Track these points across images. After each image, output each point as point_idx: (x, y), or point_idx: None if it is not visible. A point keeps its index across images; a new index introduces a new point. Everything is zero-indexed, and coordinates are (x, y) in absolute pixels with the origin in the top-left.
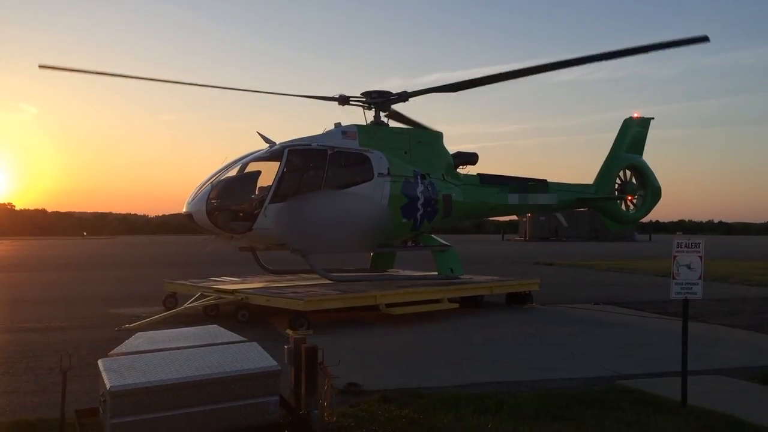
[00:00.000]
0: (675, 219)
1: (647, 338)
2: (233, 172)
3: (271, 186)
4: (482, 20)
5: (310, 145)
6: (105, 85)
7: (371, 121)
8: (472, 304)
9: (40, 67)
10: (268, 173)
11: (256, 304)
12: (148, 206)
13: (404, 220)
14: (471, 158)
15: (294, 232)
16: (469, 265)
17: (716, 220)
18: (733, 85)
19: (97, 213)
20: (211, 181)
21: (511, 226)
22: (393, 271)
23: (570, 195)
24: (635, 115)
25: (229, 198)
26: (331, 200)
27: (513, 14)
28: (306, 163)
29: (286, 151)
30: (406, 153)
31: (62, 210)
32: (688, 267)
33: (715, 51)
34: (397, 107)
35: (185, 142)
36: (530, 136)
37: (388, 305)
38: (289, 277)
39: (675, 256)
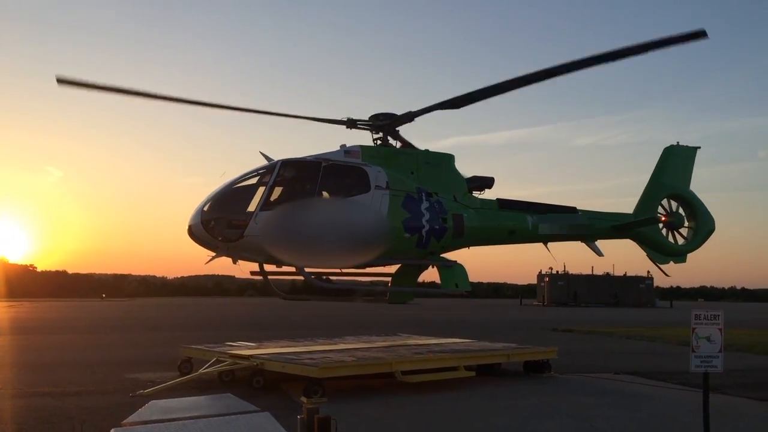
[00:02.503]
0: (696, 285)
1: (669, 412)
2: (229, 187)
3: (262, 196)
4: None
5: (305, 158)
6: (126, 150)
7: (378, 143)
8: (489, 372)
9: (59, 82)
10: (263, 187)
11: (271, 370)
12: (167, 268)
13: (406, 235)
14: (487, 182)
15: (283, 241)
16: (486, 330)
17: (739, 287)
18: (754, 149)
19: (116, 275)
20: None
21: (529, 291)
22: (407, 337)
23: (603, 222)
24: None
25: (223, 209)
26: (323, 210)
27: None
28: (299, 174)
29: (279, 163)
30: (412, 173)
31: (82, 271)
32: (708, 339)
33: (735, 116)
34: (405, 130)
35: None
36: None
37: (404, 373)
38: (305, 342)
39: (694, 329)
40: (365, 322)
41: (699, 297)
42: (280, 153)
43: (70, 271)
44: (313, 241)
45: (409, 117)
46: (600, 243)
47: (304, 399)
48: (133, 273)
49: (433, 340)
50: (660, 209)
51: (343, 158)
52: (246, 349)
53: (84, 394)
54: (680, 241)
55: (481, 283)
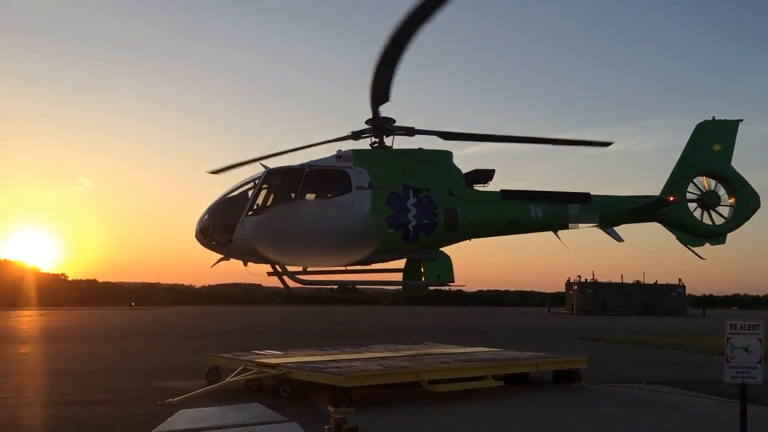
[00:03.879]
0: (730, 293)
1: (704, 423)
2: (223, 197)
3: (248, 202)
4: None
5: (291, 166)
6: (154, 159)
7: (376, 146)
8: (517, 381)
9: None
10: (251, 194)
11: (298, 379)
12: (195, 277)
13: (390, 231)
14: (487, 174)
15: (267, 242)
16: (514, 339)
17: None
18: None
19: (145, 283)
20: None
21: (557, 299)
22: (434, 346)
23: (620, 207)
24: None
25: (216, 216)
26: (303, 212)
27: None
28: (283, 181)
29: (266, 172)
30: (405, 171)
31: (112, 280)
32: (745, 350)
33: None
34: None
35: None
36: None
37: (431, 382)
38: (331, 350)
39: (729, 338)
40: (391, 330)
41: (732, 305)
42: None
43: (100, 280)
44: (295, 241)
45: (410, 132)
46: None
47: (331, 408)
48: (162, 282)
49: (460, 349)
50: (694, 188)
51: (334, 163)
52: (273, 357)
53: (113, 402)
54: (719, 221)
55: (508, 291)
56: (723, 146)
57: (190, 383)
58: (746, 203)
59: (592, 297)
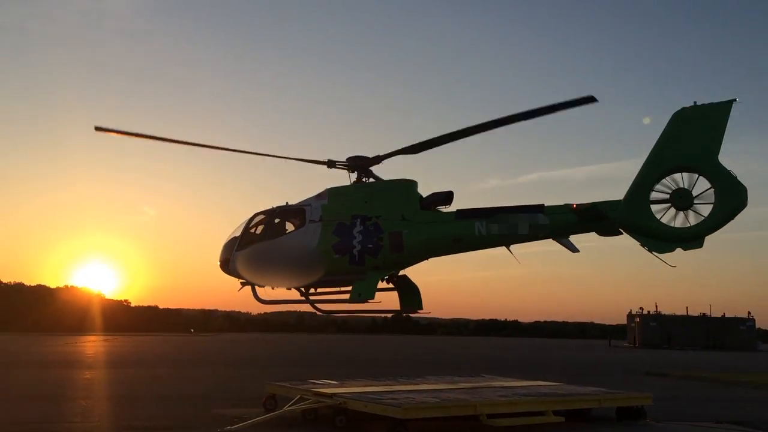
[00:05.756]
0: None
1: None
2: (230, 236)
3: (238, 240)
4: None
5: (269, 209)
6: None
7: (354, 182)
8: (578, 417)
9: (96, 129)
10: (241, 233)
11: (354, 409)
12: (250, 304)
13: (336, 256)
14: (444, 197)
15: (247, 270)
16: (573, 373)
17: None
18: None
19: (203, 310)
20: None
21: (618, 332)
22: (491, 378)
23: (567, 217)
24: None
25: (225, 251)
26: (268, 245)
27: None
28: (260, 221)
29: (253, 215)
30: (366, 203)
31: (172, 307)
32: None
33: None
34: (377, 170)
35: None
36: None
37: (490, 416)
38: (387, 381)
39: None
40: (445, 361)
41: None
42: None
43: (161, 306)
44: (263, 268)
45: (377, 160)
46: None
47: None
48: (220, 308)
49: (519, 383)
50: (665, 188)
51: (315, 201)
52: (329, 387)
53: (174, 428)
54: (695, 221)
55: (567, 322)
56: (708, 135)
57: (248, 411)
58: (724, 200)
59: (656, 330)
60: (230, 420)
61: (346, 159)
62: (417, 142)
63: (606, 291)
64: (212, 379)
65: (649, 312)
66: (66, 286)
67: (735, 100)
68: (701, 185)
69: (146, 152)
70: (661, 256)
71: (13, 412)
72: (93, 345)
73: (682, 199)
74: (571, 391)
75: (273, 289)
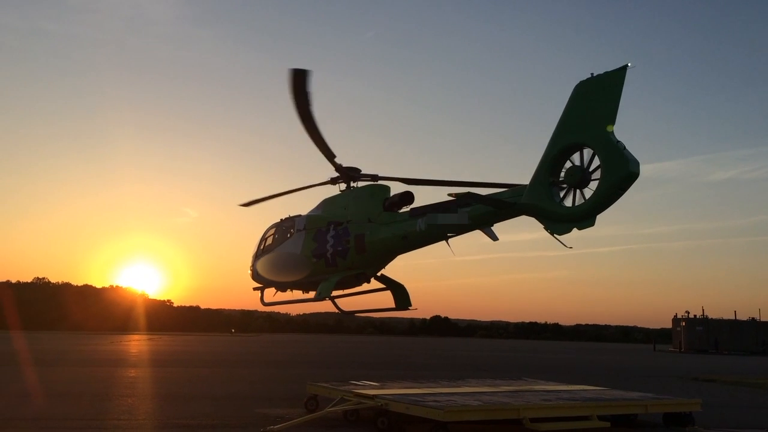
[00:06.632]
0: None
1: None
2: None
3: (258, 250)
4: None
5: (279, 221)
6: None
7: (343, 190)
8: (624, 423)
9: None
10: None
11: (396, 411)
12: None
13: (314, 260)
14: (400, 198)
15: (259, 277)
16: (617, 377)
17: None
18: None
19: (243, 310)
20: None
21: (663, 336)
22: (534, 382)
23: (487, 208)
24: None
25: (253, 260)
26: (271, 255)
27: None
28: (268, 233)
29: (266, 229)
30: (345, 209)
31: (213, 307)
32: None
33: None
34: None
35: None
36: (679, 239)
37: (533, 420)
38: (428, 383)
39: None
40: (485, 363)
41: None
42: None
43: (202, 307)
44: (269, 272)
45: (374, 178)
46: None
47: None
48: (260, 309)
49: (563, 387)
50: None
51: (315, 210)
52: (370, 388)
53: (219, 427)
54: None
55: (609, 326)
56: (601, 107)
57: (289, 411)
58: (607, 173)
59: (702, 334)
60: (273, 420)
61: (337, 170)
62: (415, 177)
63: (650, 294)
64: (253, 379)
65: (695, 316)
66: (111, 286)
67: (628, 65)
68: (597, 161)
69: (188, 155)
70: (559, 237)
71: (62, 409)
72: (137, 344)
73: (573, 177)
74: (616, 395)
75: (275, 293)
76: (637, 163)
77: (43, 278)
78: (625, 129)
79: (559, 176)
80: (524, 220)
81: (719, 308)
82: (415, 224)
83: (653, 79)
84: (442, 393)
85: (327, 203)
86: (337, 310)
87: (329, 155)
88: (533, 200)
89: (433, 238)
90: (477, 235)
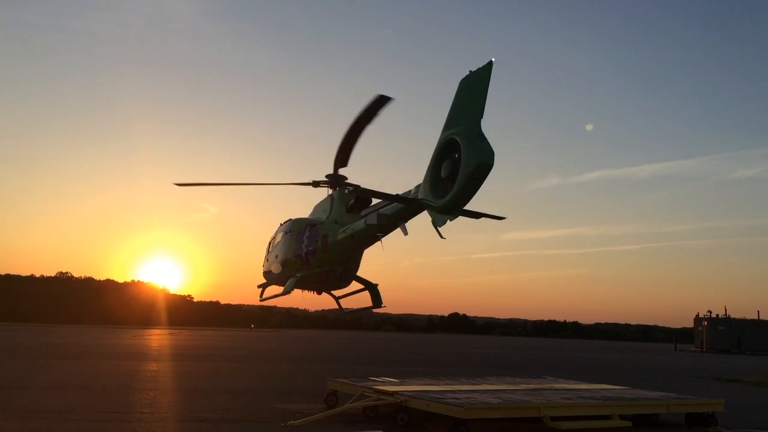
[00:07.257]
0: None
1: None
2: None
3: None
4: None
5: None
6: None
7: (330, 194)
8: (645, 422)
9: (176, 184)
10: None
11: (416, 408)
12: (308, 301)
13: (293, 259)
14: (358, 200)
15: (265, 274)
16: (638, 376)
17: None
18: None
19: (263, 306)
20: None
21: (685, 335)
22: (554, 380)
23: (399, 206)
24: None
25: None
26: (269, 256)
27: None
28: (273, 236)
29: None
30: (324, 212)
31: (233, 302)
32: None
33: None
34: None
35: None
36: (701, 237)
37: (554, 419)
38: (448, 380)
39: None
40: (505, 362)
41: None
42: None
43: (222, 302)
44: (268, 270)
45: (360, 190)
46: None
47: None
48: (278, 305)
49: (583, 385)
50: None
51: (311, 213)
52: (390, 385)
53: (239, 421)
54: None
55: (629, 324)
56: (471, 102)
57: (309, 406)
58: (465, 165)
59: (725, 334)
60: (293, 415)
61: (326, 176)
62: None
63: (671, 293)
64: (273, 374)
65: (717, 315)
66: (133, 281)
67: (492, 60)
68: None
69: (207, 151)
70: (439, 229)
71: (85, 402)
72: (158, 338)
73: (445, 170)
74: (637, 395)
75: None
76: (491, 154)
77: (67, 273)
78: (647, 128)
79: (440, 171)
80: (544, 217)
81: (742, 308)
82: (361, 223)
83: (675, 77)
84: (461, 390)
85: (315, 207)
86: (338, 308)
87: (341, 164)
88: (422, 194)
89: (370, 233)
90: (494, 233)
